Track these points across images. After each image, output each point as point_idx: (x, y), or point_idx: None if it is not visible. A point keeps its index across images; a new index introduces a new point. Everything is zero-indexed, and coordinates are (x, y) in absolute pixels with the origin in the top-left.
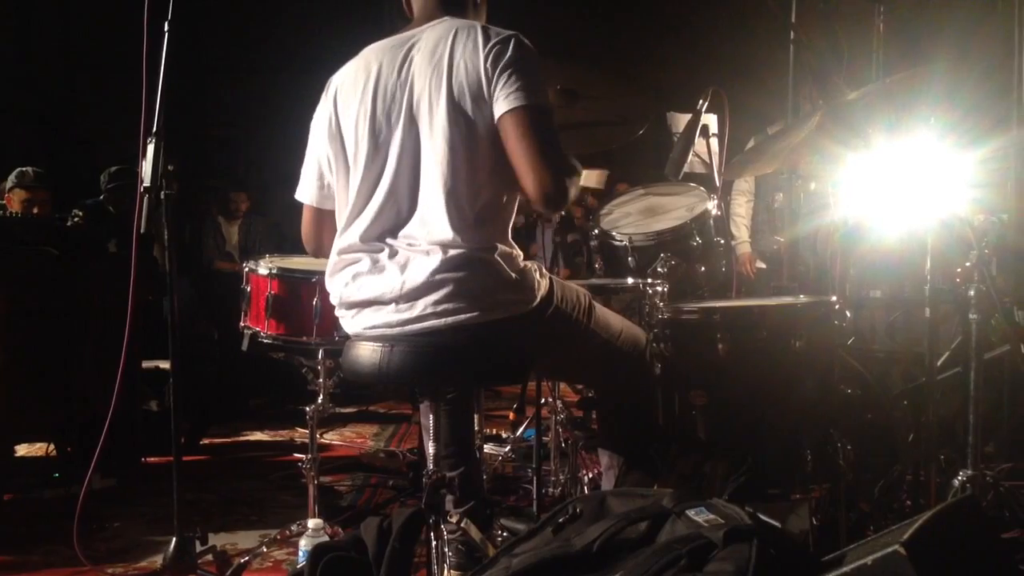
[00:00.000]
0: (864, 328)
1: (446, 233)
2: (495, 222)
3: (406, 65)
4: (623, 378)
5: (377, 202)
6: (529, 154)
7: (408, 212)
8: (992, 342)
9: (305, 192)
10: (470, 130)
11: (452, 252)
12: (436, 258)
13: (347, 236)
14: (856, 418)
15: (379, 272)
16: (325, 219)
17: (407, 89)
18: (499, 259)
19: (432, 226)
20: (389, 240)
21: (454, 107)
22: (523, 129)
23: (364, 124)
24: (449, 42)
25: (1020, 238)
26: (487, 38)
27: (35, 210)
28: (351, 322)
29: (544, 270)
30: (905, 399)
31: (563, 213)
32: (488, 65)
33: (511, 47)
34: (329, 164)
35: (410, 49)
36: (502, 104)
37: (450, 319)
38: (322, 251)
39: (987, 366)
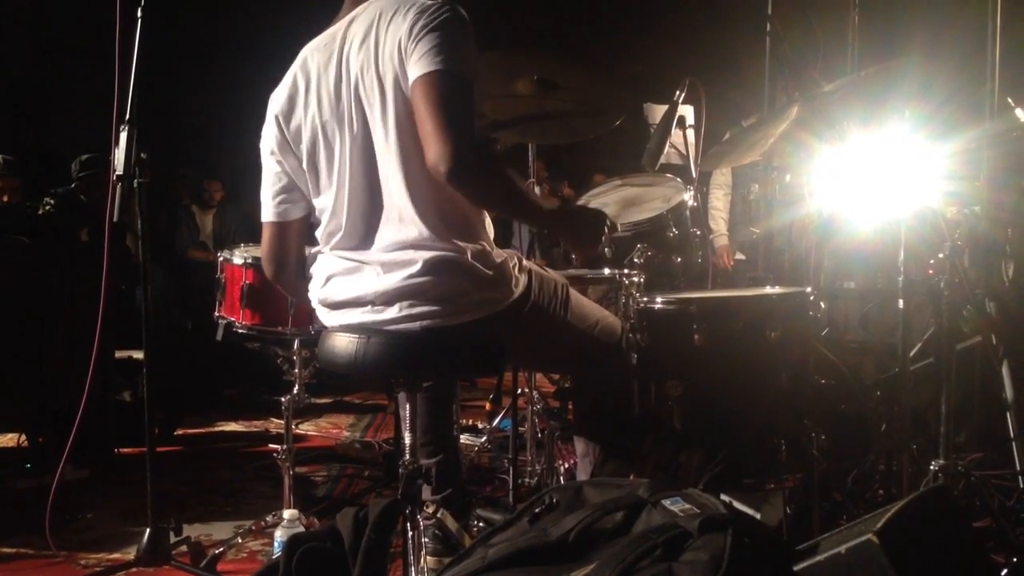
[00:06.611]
0: (838, 319)
1: (414, 234)
2: (465, 218)
3: (343, 62)
4: (599, 367)
5: (343, 206)
6: (431, 119)
7: (375, 214)
8: (964, 333)
9: (265, 211)
10: (409, 119)
11: (424, 255)
12: (408, 263)
13: (322, 238)
14: (830, 408)
15: (354, 275)
16: (287, 234)
17: (349, 86)
18: (472, 258)
19: (400, 228)
20: (361, 245)
21: (392, 95)
22: (429, 94)
23: (318, 131)
24: (376, 25)
25: (992, 230)
26: (412, 9)
27: (5, 198)
28: (328, 316)
29: (524, 262)
30: (878, 389)
31: None
32: (405, 37)
33: (431, 11)
34: (289, 177)
35: (343, 43)
36: (412, 70)
37: (425, 322)
38: (285, 271)
39: (959, 357)
